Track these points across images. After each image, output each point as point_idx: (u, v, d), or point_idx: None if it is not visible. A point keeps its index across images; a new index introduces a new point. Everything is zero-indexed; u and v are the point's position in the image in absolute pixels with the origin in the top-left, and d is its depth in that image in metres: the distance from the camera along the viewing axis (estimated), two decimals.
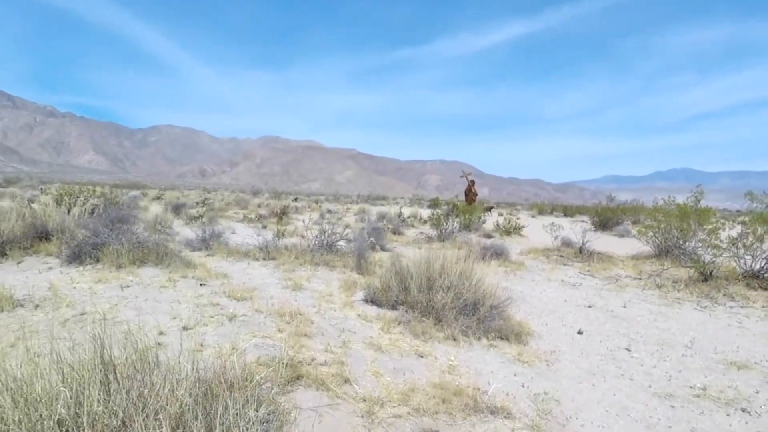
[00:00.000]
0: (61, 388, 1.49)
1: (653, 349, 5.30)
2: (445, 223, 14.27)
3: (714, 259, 9.13)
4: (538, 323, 6.00)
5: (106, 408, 1.50)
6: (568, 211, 38.68)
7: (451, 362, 4.10)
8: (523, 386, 3.85)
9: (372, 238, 11.19)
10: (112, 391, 1.58)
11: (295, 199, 42.74)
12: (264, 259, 8.26)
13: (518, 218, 23.24)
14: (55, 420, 1.40)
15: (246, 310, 4.70)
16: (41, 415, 1.40)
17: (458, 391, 3.39)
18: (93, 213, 10.88)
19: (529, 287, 8.40)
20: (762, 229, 8.79)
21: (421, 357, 4.13)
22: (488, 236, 16.05)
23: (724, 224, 10.28)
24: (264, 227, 15.20)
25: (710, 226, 9.90)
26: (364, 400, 3.11)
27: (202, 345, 3.58)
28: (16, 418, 1.40)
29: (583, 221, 26.67)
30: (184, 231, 12.14)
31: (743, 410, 3.76)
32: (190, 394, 1.76)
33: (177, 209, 18.14)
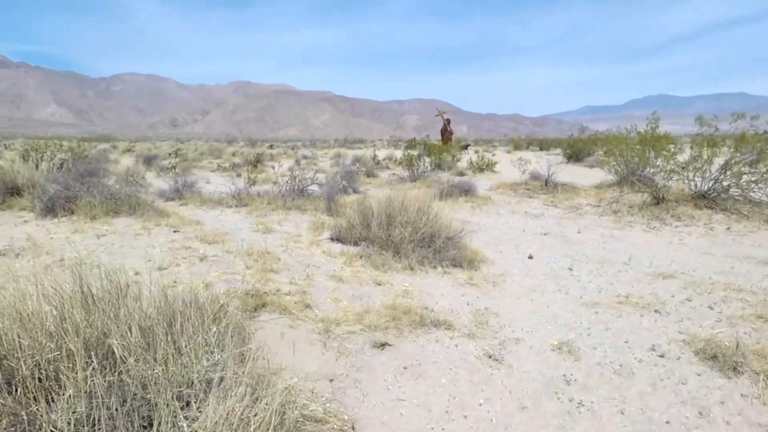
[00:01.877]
0: (48, 307, 1.84)
1: (593, 267, 5.87)
2: (416, 164, 14.57)
3: (666, 183, 9.73)
4: (494, 251, 6.52)
5: (87, 322, 1.86)
6: (544, 145, 39.26)
7: (405, 288, 4.59)
8: (467, 304, 4.37)
9: (344, 182, 11.48)
10: (91, 311, 1.94)
11: (271, 146, 42.15)
12: (237, 206, 8.53)
13: (494, 155, 23.63)
14: (46, 331, 1.75)
15: (217, 252, 5.05)
16: (34, 328, 1.75)
17: (407, 311, 3.88)
18: (62, 167, 10.83)
19: (492, 220, 8.92)
20: (709, 152, 9.32)
21: (379, 285, 4.60)
22: (461, 174, 16.45)
23: (682, 149, 10.71)
24: (238, 176, 15.28)
25: (666, 153, 10.30)
26: (323, 321, 3.57)
27: (175, 282, 3.95)
28: (17, 334, 1.76)
29: (557, 154, 27.27)
30: (157, 182, 12.21)
31: (656, 311, 4.35)
32: (158, 312, 2.14)
33: (149, 161, 18.00)
